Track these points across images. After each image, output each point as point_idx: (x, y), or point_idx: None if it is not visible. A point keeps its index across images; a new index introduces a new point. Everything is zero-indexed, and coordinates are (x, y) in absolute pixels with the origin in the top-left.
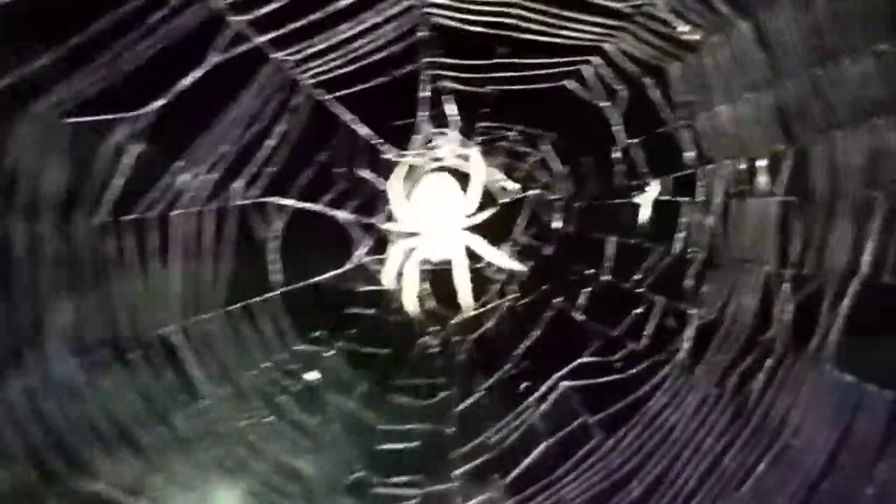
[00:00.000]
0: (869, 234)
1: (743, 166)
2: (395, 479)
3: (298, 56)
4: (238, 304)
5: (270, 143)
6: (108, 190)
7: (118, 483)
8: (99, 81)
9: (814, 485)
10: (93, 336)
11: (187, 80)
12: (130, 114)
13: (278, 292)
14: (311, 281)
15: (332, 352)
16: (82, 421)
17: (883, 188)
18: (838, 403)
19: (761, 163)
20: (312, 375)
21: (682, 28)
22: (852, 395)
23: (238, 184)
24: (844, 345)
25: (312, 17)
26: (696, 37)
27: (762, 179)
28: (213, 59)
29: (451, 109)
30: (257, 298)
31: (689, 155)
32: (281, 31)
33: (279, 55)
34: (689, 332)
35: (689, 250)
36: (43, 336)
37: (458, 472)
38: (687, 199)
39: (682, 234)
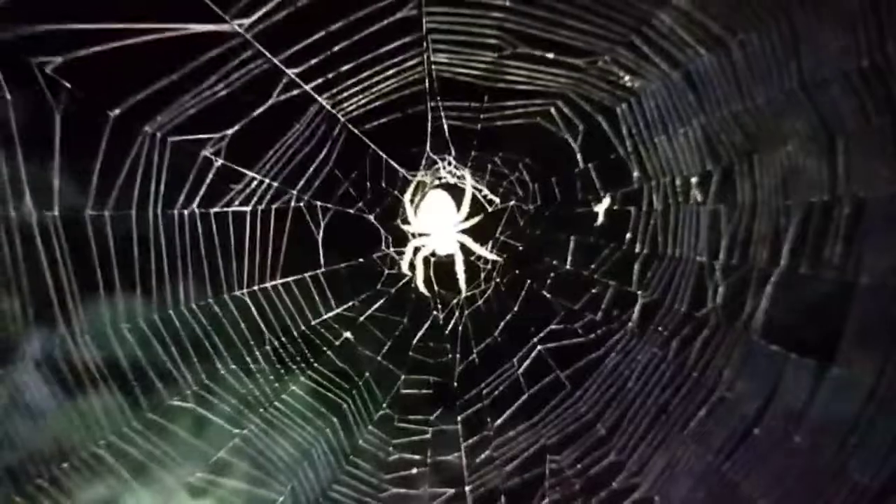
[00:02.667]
0: (786, 235)
1: (678, 182)
2: (412, 417)
3: (336, 98)
4: (292, 278)
5: (318, 160)
6: (198, 191)
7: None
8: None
9: (747, 430)
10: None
11: (258, 111)
12: (216, 135)
13: (322, 270)
14: (348, 264)
15: (363, 318)
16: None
17: (795, 198)
18: (766, 367)
19: (693, 179)
20: (349, 334)
21: (626, 77)
22: (778, 361)
23: (295, 190)
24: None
25: (345, 69)
26: (637, 84)
27: (695, 192)
28: (275, 98)
29: (450, 140)
30: (307, 274)
31: (635, 174)
32: (322, 79)
33: (322, 97)
34: (637, 308)
35: (635, 247)
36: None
37: (460, 416)
38: (633, 208)
39: (629, 235)
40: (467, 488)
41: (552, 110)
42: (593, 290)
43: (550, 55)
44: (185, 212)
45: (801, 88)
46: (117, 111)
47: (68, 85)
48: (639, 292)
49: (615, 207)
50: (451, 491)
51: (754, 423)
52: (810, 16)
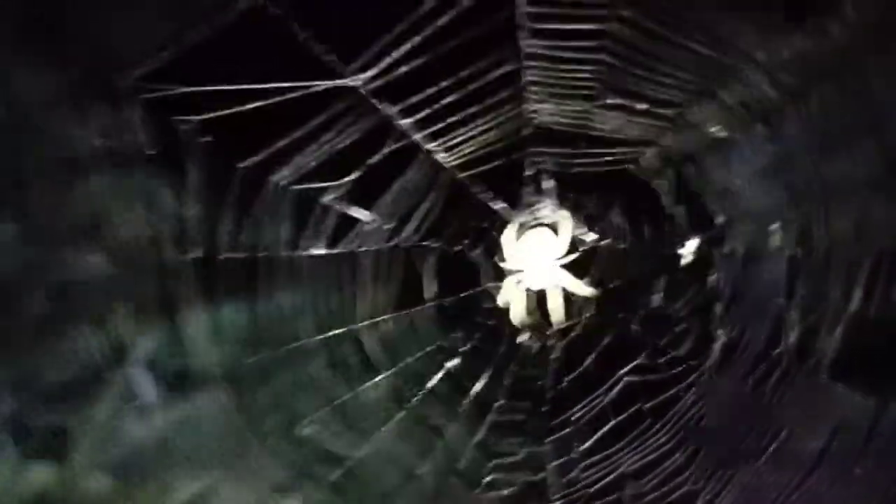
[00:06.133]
0: (858, 279)
1: (760, 228)
2: (506, 440)
3: (443, 146)
4: (403, 312)
5: (426, 204)
6: (318, 235)
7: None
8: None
9: (814, 463)
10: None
11: (373, 160)
12: (334, 183)
13: (430, 305)
14: (452, 298)
15: (466, 347)
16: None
17: (867, 243)
18: (832, 404)
19: (774, 226)
20: (452, 363)
21: (713, 128)
22: (843, 399)
23: (406, 231)
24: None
25: (451, 120)
26: (724, 134)
27: (775, 238)
28: (388, 148)
29: (547, 183)
30: (416, 308)
31: (720, 219)
32: (430, 130)
33: (429, 146)
34: (717, 346)
35: (718, 288)
36: None
37: (549, 439)
38: (717, 250)
39: (713, 276)
40: None
41: (642, 157)
42: (678, 328)
43: (642, 106)
44: (306, 254)
45: (873, 136)
46: (246, 163)
47: (202, 140)
48: (720, 331)
49: (700, 250)
50: None
51: (820, 457)
52: (882, 66)
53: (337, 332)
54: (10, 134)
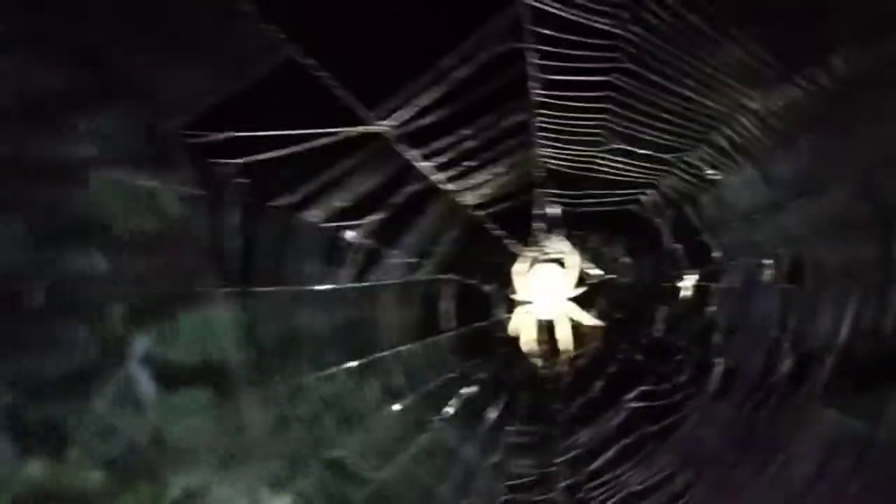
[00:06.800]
0: (847, 311)
1: (754, 263)
2: (520, 462)
3: (460, 188)
4: (423, 341)
5: (444, 241)
6: (345, 268)
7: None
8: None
9: (810, 484)
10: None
11: (396, 200)
12: (360, 221)
13: (450, 333)
14: (468, 328)
15: (482, 374)
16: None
17: (857, 280)
18: (825, 428)
19: (767, 261)
20: (469, 389)
21: (709, 171)
22: (836, 423)
23: (426, 266)
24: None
25: (468, 164)
26: (719, 177)
27: (768, 272)
28: (409, 189)
29: (556, 222)
30: (435, 337)
31: (716, 254)
32: (449, 173)
33: (448, 188)
34: (716, 374)
35: (716, 319)
36: None
37: (559, 460)
38: (715, 284)
39: (711, 308)
40: None
41: (643, 198)
42: (679, 357)
43: (643, 151)
44: (336, 287)
45: (860, 178)
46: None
47: (236, 180)
48: (718, 360)
49: (699, 283)
50: None
51: (816, 478)
52: (868, 114)
53: (362, 360)
54: (14, 131)
